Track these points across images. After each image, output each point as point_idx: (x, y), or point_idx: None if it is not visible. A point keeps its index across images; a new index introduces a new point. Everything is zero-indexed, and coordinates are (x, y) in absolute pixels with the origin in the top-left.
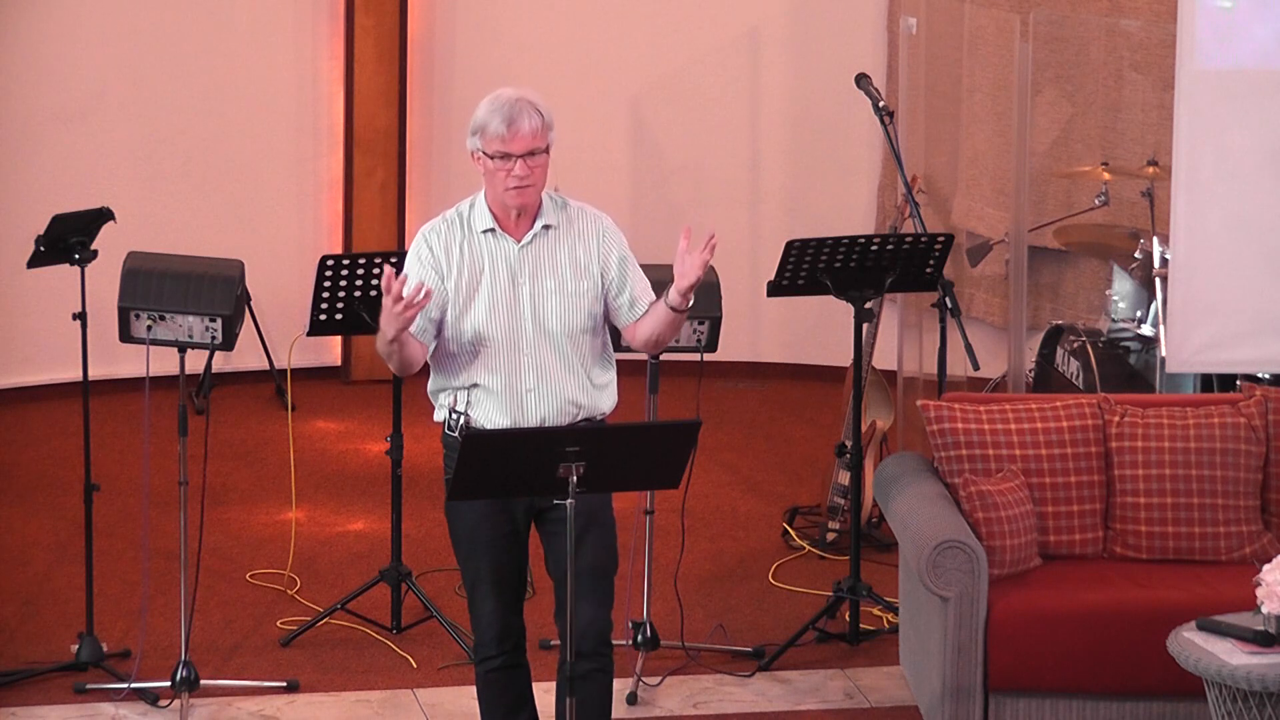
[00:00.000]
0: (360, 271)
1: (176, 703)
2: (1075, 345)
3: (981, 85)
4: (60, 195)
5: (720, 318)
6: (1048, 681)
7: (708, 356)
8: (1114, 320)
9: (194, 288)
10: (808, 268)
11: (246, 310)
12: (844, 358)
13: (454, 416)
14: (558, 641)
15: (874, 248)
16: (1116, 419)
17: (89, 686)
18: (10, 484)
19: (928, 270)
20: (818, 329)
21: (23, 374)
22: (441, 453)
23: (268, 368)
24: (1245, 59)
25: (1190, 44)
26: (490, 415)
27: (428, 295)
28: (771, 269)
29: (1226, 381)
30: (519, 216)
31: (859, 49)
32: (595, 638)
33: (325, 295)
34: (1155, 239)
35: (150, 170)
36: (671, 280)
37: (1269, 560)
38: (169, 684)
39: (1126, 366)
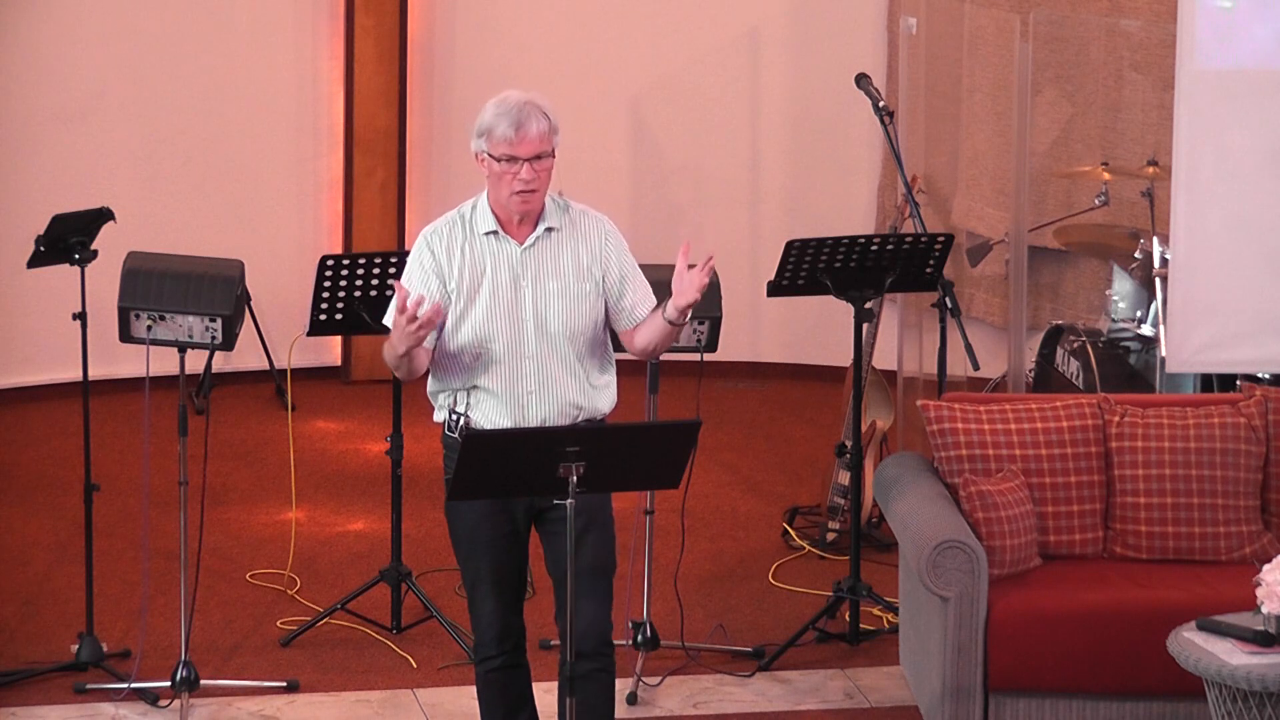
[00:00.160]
0: (360, 271)
1: (176, 703)
2: (1075, 345)
3: (981, 85)
4: (60, 195)
5: (720, 318)
6: (1048, 681)
7: (708, 356)
8: (1114, 320)
9: (194, 288)
10: (808, 268)
11: (246, 310)
12: (844, 358)
13: (454, 418)
14: (558, 641)
15: (874, 248)
16: (1116, 419)
17: (89, 686)
18: (10, 484)
19: (928, 270)
20: (818, 329)
21: (23, 374)
22: (441, 453)
23: (268, 368)
24: (1245, 59)
25: (1190, 44)
26: (490, 416)
27: (437, 312)
28: (771, 269)
29: (1226, 381)
30: (522, 220)
31: (859, 49)
32: (597, 638)
33: (325, 295)
34: (1155, 239)
35: (150, 170)
36: (671, 280)
37: (1269, 560)
38: (169, 684)
39: (1126, 366)
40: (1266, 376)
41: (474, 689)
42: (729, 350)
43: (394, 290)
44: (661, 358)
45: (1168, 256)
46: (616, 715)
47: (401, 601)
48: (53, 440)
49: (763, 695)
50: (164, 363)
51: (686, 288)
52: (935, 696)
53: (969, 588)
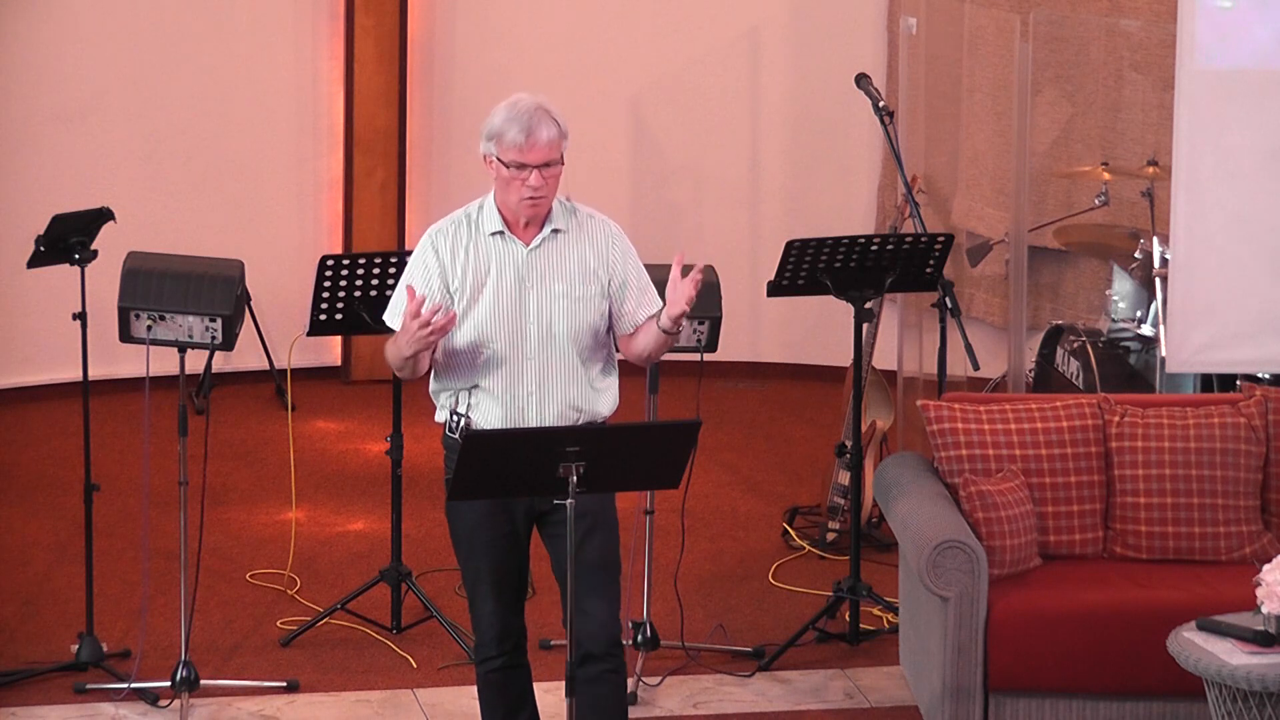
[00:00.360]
0: (360, 272)
1: (176, 703)
2: (1075, 345)
3: (981, 85)
4: (60, 195)
5: (720, 318)
6: (1048, 681)
7: (708, 356)
8: (1114, 320)
9: (194, 288)
10: (808, 268)
11: (246, 310)
12: (844, 358)
13: (454, 418)
14: (558, 642)
15: (874, 248)
16: (1116, 419)
17: (89, 686)
18: (10, 484)
19: (928, 270)
20: (818, 329)
21: (23, 374)
22: (441, 453)
23: (268, 368)
24: (1245, 59)
25: (1190, 44)
26: (491, 417)
27: (451, 319)
28: (771, 269)
29: (1226, 381)
30: (528, 222)
31: (859, 49)
32: (607, 639)
33: (325, 295)
34: (1155, 239)
35: (150, 170)
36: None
37: (1269, 560)
38: (169, 684)
39: (1126, 366)
40: (1266, 376)
41: (474, 689)
42: (729, 350)
43: (397, 290)
44: (662, 358)
45: (1168, 256)
46: None
47: (401, 601)
48: (53, 440)
49: (763, 695)
50: (164, 363)
51: (677, 298)
52: (935, 696)
53: (969, 588)
